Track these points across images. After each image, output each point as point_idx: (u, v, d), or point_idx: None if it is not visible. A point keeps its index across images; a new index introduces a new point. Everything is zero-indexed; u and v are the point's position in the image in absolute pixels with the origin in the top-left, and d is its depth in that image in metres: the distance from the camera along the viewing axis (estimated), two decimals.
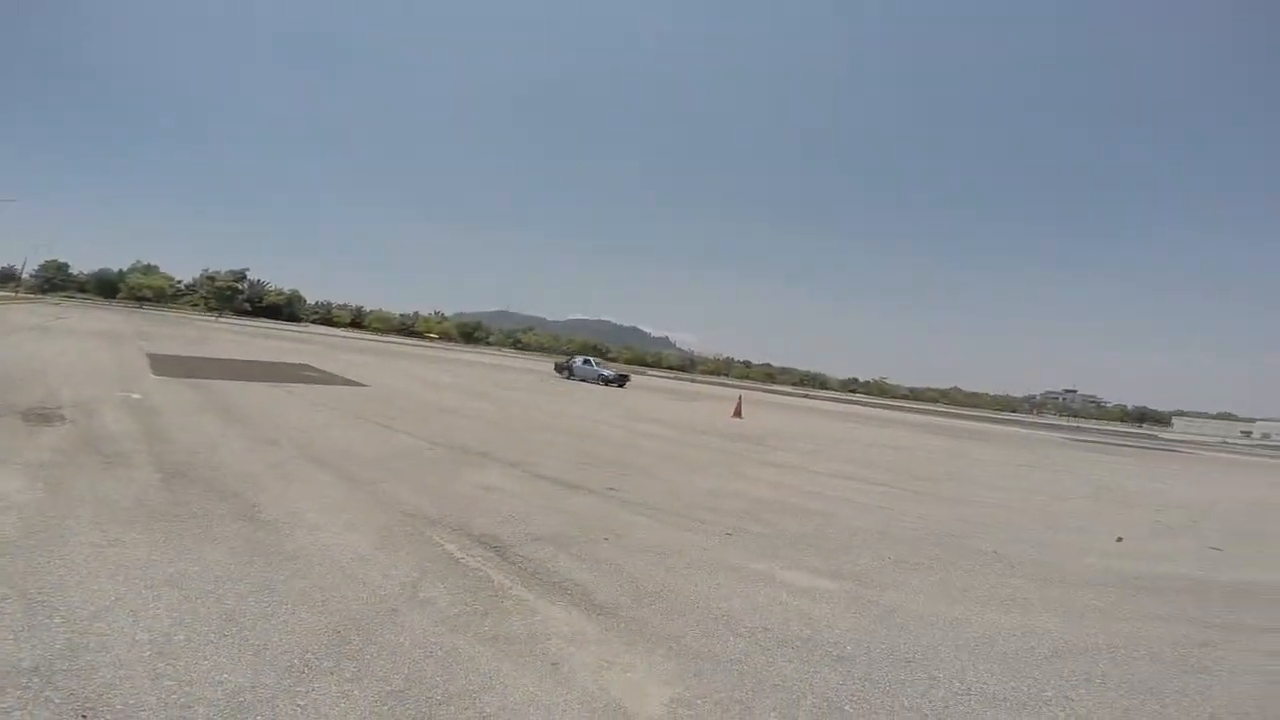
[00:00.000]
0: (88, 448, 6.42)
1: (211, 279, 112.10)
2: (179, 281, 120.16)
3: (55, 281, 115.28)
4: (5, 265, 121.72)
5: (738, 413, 23.41)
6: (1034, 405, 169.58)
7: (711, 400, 34.57)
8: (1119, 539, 8.05)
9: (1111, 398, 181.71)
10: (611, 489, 7.51)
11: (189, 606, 3.28)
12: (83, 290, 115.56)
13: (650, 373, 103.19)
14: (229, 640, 3.01)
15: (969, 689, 3.44)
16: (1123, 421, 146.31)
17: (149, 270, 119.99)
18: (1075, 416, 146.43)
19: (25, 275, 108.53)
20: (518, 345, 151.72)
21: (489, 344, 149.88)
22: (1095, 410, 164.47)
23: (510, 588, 4.08)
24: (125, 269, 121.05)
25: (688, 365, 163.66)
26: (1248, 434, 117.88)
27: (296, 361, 22.48)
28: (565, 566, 4.61)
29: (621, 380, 35.79)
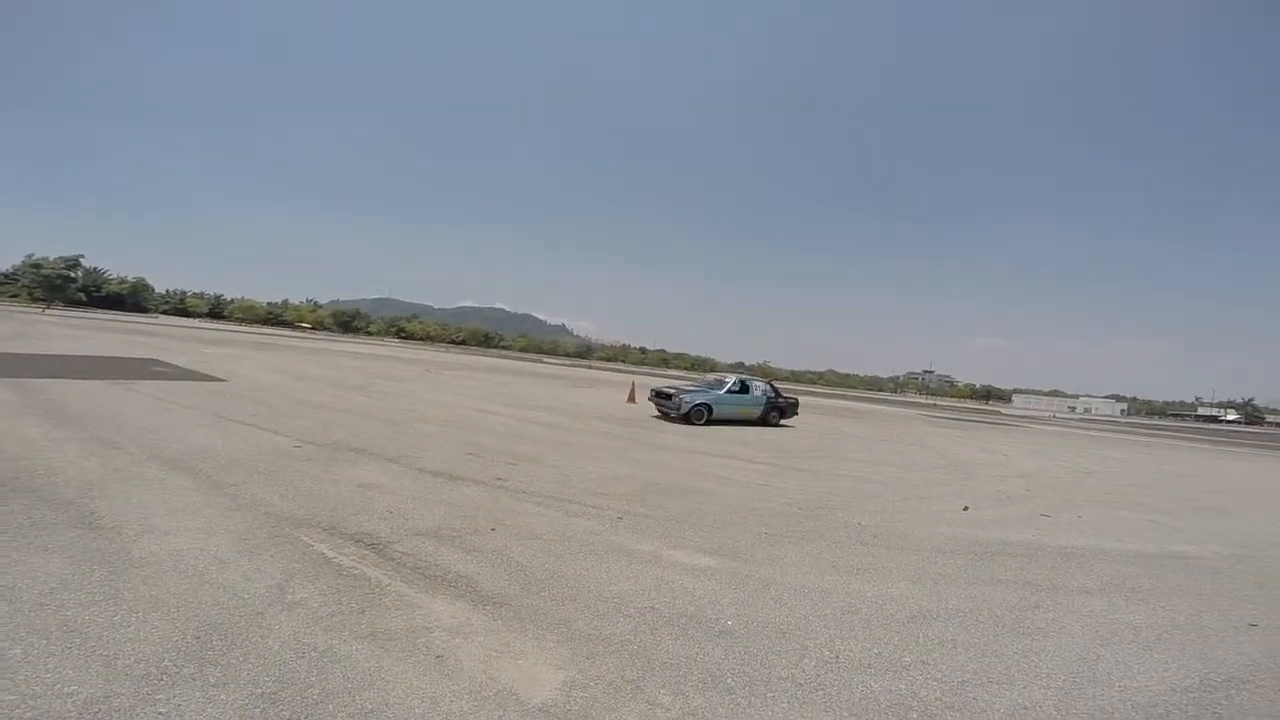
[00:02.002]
0: None
1: (37, 266, 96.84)
2: None
3: None
4: None
5: (631, 398, 23.83)
6: (897, 385, 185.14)
7: (607, 386, 34.65)
8: (965, 508, 8.86)
9: (962, 377, 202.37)
10: (499, 479, 7.50)
11: (22, 619, 3.05)
12: None
13: (546, 360, 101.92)
14: (73, 652, 2.85)
15: (838, 657, 3.70)
16: (972, 398, 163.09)
17: None
18: (932, 394, 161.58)
19: None
20: (402, 334, 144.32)
21: (370, 333, 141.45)
22: (949, 388, 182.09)
23: (389, 584, 4.04)
24: None
25: (585, 352, 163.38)
26: (1073, 409, 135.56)
27: (142, 356, 20.24)
28: (449, 559, 4.60)
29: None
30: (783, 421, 20.51)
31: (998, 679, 3.64)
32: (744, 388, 19.29)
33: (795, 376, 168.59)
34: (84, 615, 3.17)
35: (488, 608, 3.85)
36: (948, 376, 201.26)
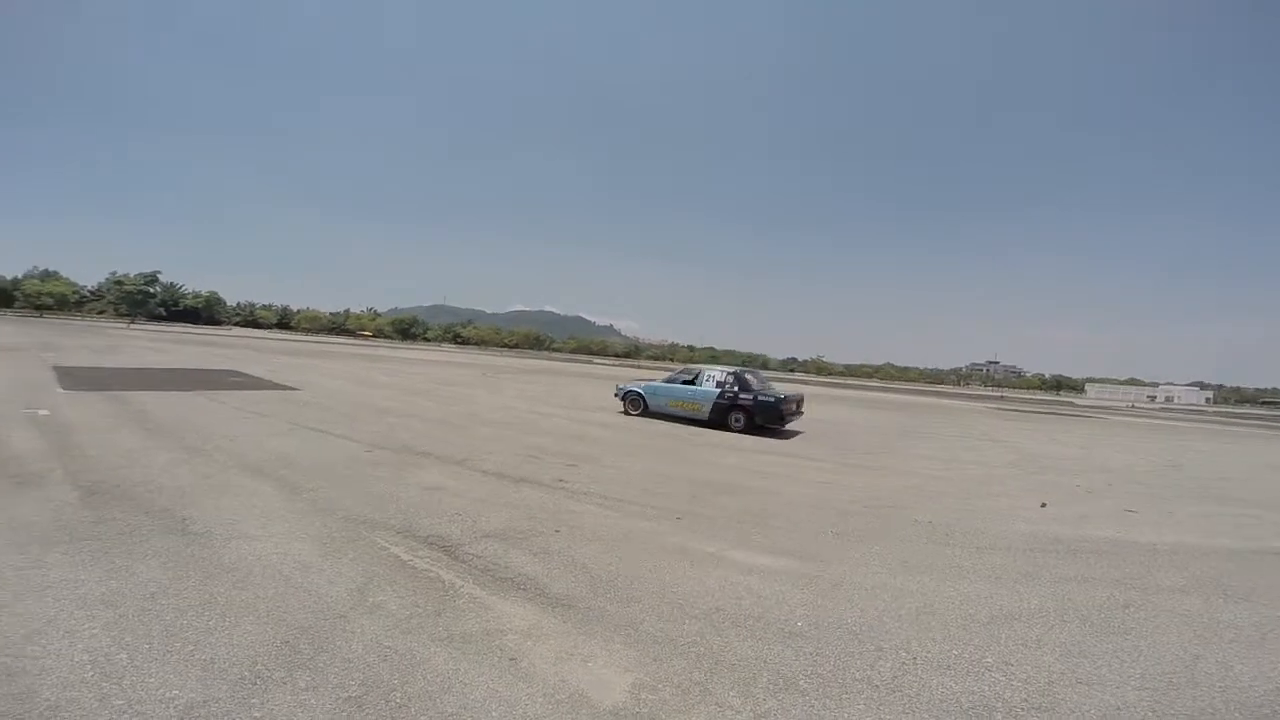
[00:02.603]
0: None
1: (120, 283, 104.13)
2: (83, 287, 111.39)
3: None
4: None
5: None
6: (960, 377, 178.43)
7: None
8: (1043, 504, 8.47)
9: (1030, 367, 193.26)
10: (560, 480, 7.56)
11: (126, 625, 3.20)
12: None
13: (596, 361, 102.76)
14: (174, 656, 2.97)
15: (915, 658, 3.58)
16: (1041, 389, 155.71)
17: (48, 276, 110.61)
18: (998, 386, 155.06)
19: None
20: (458, 340, 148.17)
21: (427, 340, 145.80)
22: (1016, 379, 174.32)
23: (462, 586, 4.10)
24: (20, 276, 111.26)
25: (633, 352, 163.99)
26: (1153, 398, 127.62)
27: (221, 367, 21.38)
28: (517, 561, 4.65)
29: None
30: (782, 427, 14.96)
31: (1087, 680, 3.48)
32: (694, 379, 15.74)
33: (850, 371, 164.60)
34: (182, 620, 3.32)
35: (557, 610, 3.87)
36: (1014, 367, 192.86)
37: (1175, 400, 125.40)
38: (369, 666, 3.03)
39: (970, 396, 70.89)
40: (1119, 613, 4.55)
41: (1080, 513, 8.19)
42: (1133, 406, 77.55)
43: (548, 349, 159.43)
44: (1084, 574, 5.47)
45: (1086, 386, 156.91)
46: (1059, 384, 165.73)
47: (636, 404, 16.43)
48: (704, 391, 15.37)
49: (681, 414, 15.72)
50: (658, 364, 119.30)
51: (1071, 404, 70.99)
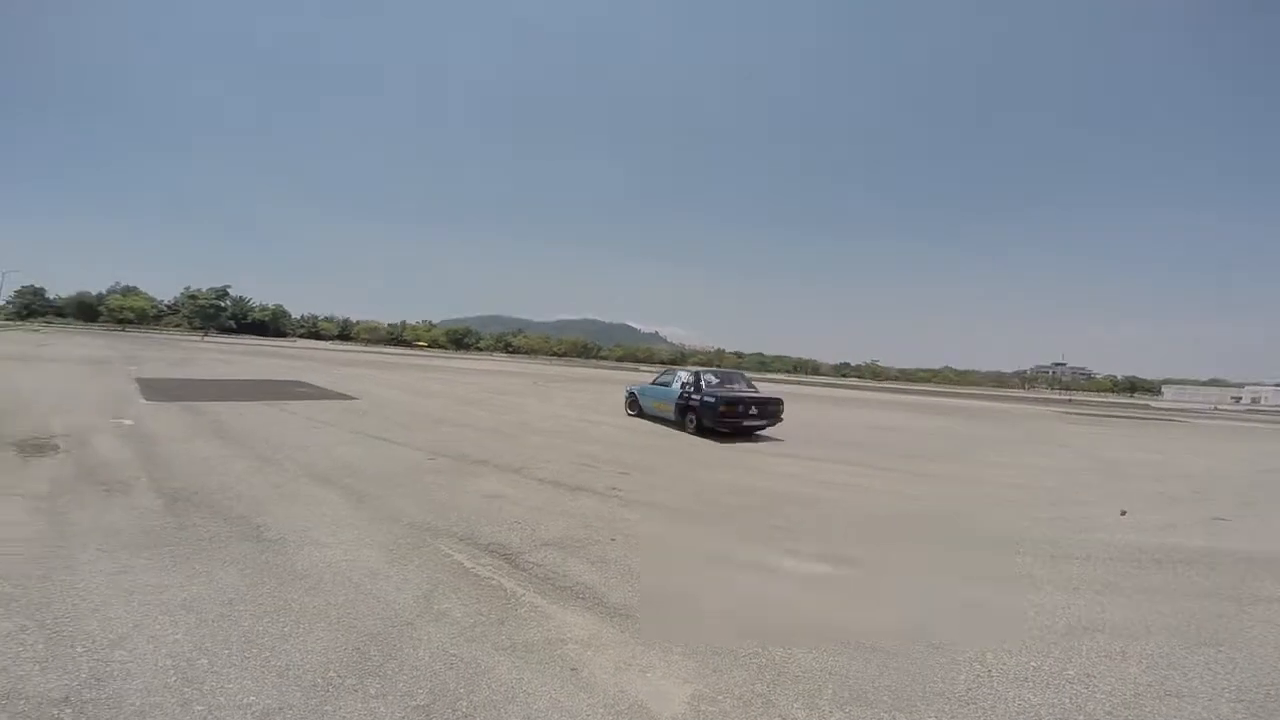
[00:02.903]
0: (85, 477, 6.39)
1: (194, 298, 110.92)
2: (160, 302, 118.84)
3: (33, 307, 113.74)
4: None
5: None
6: (1025, 380, 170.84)
7: None
8: (1123, 512, 8.08)
9: (1100, 369, 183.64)
10: (613, 489, 7.54)
11: (206, 630, 3.31)
12: (61, 315, 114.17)
13: (642, 369, 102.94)
14: (251, 662, 3.04)
15: (990, 670, 3.47)
16: (1113, 392, 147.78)
17: (129, 292, 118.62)
18: (1066, 389, 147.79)
19: (1, 302, 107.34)
20: (508, 349, 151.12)
21: (479, 349, 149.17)
22: (1085, 382, 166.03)
23: (523, 595, 4.11)
24: (104, 291, 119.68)
25: (679, 359, 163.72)
26: (1238, 400, 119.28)
27: (287, 378, 22.32)
28: (576, 570, 4.65)
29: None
30: (731, 431, 13.65)
31: (1177, 692, 3.31)
32: (670, 381, 15.48)
33: (907, 375, 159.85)
34: (259, 626, 3.41)
35: (615, 619, 3.85)
36: (1083, 369, 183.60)
37: (1263, 401, 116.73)
38: (436, 674, 3.05)
39: (1036, 400, 67.83)
40: (1211, 624, 4.35)
41: (1164, 521, 7.78)
42: (1216, 409, 72.78)
43: (595, 357, 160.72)
44: (1171, 584, 5.23)
45: (1163, 388, 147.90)
46: (1133, 386, 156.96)
47: (634, 405, 16.58)
48: (671, 392, 14.99)
49: (660, 415, 15.52)
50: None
51: (1147, 406, 67.19)
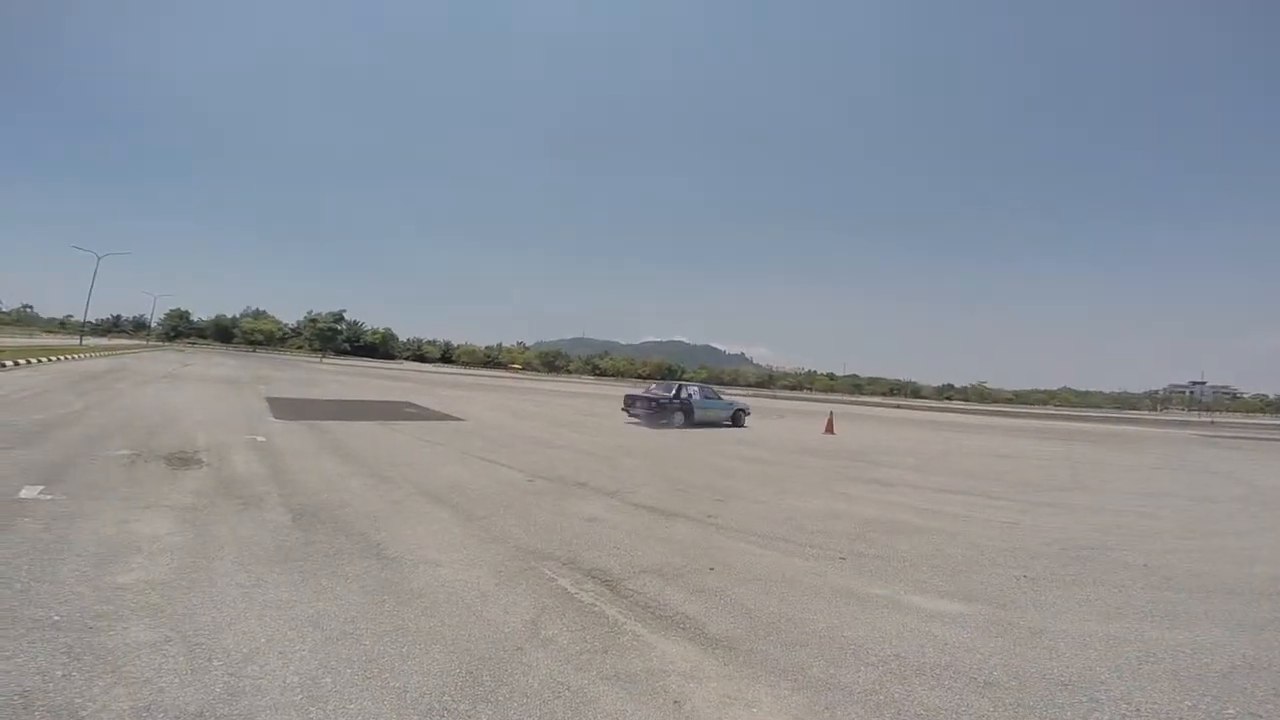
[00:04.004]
0: (224, 490, 6.91)
1: (314, 322, 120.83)
2: (286, 325, 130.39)
3: (179, 329, 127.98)
4: (136, 315, 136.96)
5: (830, 428, 22.58)
6: (1157, 401, 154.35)
7: (797, 417, 33.68)
8: None
9: (1247, 387, 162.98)
10: (710, 515, 7.36)
11: (331, 648, 3.40)
12: (202, 336, 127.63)
13: (729, 391, 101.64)
14: (372, 682, 3.09)
15: (1138, 710, 3.22)
16: (1264, 412, 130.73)
17: (259, 315, 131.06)
18: (1207, 410, 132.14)
19: (154, 324, 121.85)
20: (597, 371, 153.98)
21: (570, 372, 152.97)
22: (1229, 402, 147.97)
23: (625, 623, 4.03)
24: (238, 315, 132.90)
25: (767, 381, 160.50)
26: None
27: (397, 399, 23.66)
28: (675, 599, 4.53)
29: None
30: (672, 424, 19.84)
31: None
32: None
33: (1020, 398, 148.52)
34: (379, 646, 3.48)
35: (718, 651, 3.71)
36: (1226, 387, 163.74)
37: None
38: (544, 702, 3.01)
39: (1170, 423, 61.12)
40: None
41: None
42: None
43: (680, 379, 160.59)
44: None
45: None
46: None
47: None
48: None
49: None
50: (791, 393, 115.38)
51: None
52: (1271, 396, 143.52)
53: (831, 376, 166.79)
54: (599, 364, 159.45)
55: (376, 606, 4.01)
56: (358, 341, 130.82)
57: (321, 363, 77.67)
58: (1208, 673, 3.73)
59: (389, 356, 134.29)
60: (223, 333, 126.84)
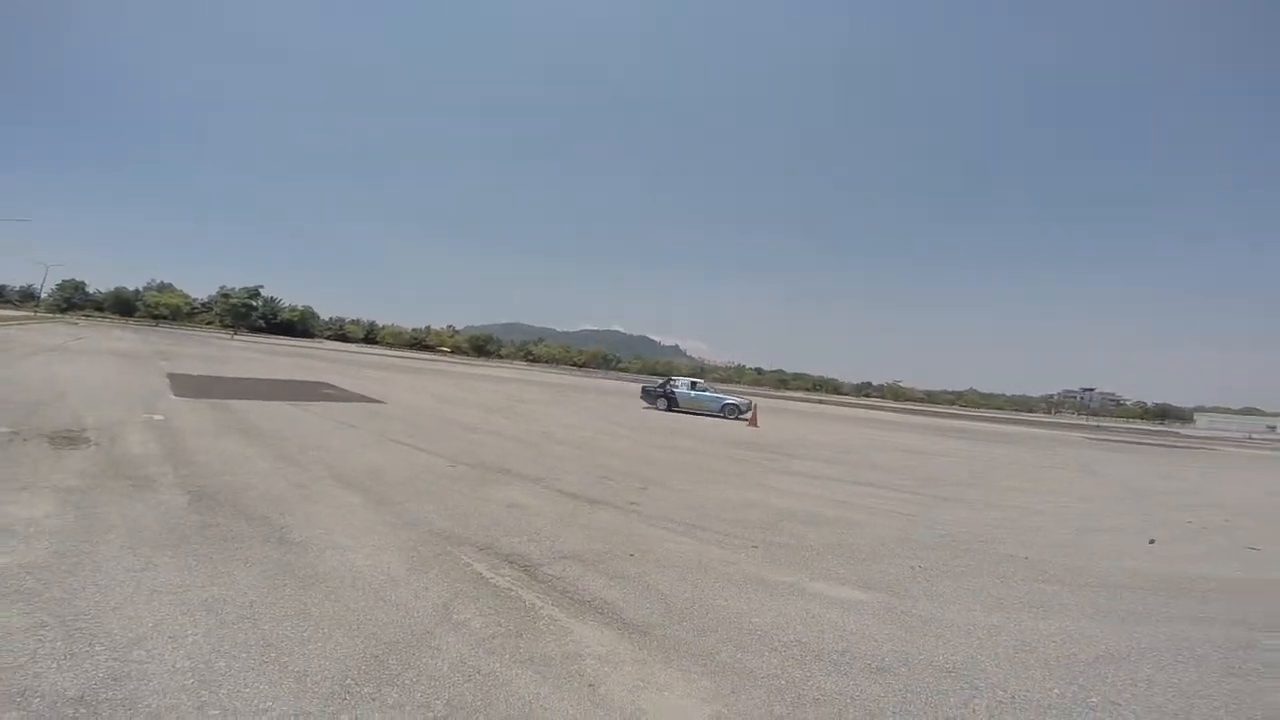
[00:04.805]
0: (114, 471, 6.47)
1: (226, 296, 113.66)
2: (194, 299, 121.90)
3: (73, 300, 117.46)
4: (24, 285, 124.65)
5: (754, 422, 23.26)
6: (1052, 405, 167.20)
7: None
8: (1151, 541, 7.92)
9: (1130, 395, 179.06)
10: (632, 503, 7.46)
11: (226, 632, 3.28)
12: (99, 309, 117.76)
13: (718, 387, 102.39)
14: (270, 667, 3.00)
15: (1013, 697, 3.40)
16: (1143, 419, 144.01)
17: (164, 288, 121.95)
18: (1095, 415, 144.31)
19: (44, 295, 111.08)
20: (529, 357, 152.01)
21: (501, 357, 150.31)
22: (1115, 408, 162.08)
23: (542, 608, 4.05)
24: (141, 287, 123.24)
25: (699, 373, 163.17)
26: (1273, 429, 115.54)
27: (314, 379, 22.64)
28: (594, 585, 4.58)
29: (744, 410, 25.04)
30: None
31: None
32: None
33: (931, 397, 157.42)
34: (279, 630, 3.37)
35: (633, 636, 3.78)
36: (1112, 395, 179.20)
37: None
38: (454, 686, 3.00)
39: (1062, 425, 66.39)
40: (1240, 654, 4.29)
41: (1193, 550, 7.67)
42: (1250, 438, 70.54)
43: (615, 369, 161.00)
44: (1200, 613, 5.14)
45: (1196, 416, 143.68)
46: (1164, 413, 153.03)
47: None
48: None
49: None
50: (722, 386, 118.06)
51: (1177, 434, 65.34)
52: (1150, 404, 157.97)
53: (759, 371, 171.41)
54: (533, 350, 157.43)
55: (276, 591, 3.87)
56: (274, 319, 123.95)
57: (233, 339, 73.09)
58: (1075, 662, 3.96)
59: (308, 335, 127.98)
60: (123, 306, 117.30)
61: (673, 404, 26.25)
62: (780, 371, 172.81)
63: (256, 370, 24.23)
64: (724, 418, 24.92)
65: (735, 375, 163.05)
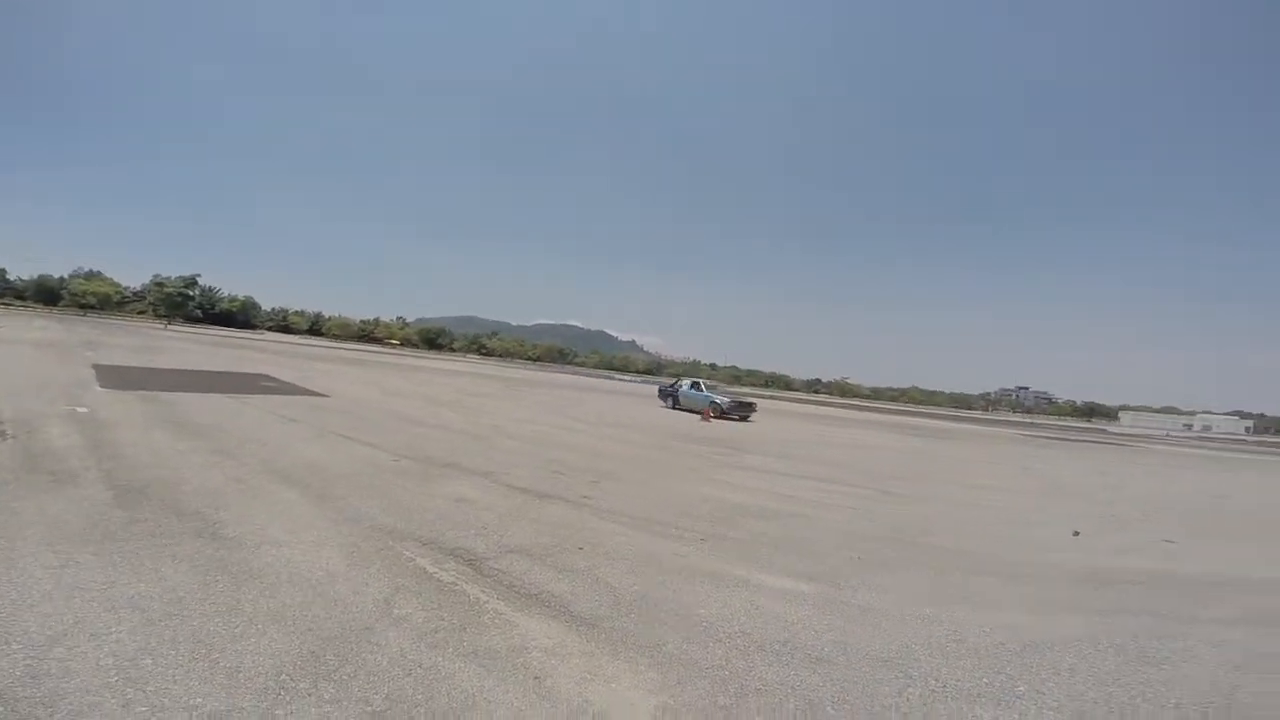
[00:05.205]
0: (33, 465, 6.13)
1: (161, 285, 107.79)
2: (126, 288, 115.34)
3: None
4: None
5: (707, 417, 23.56)
6: (988, 402, 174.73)
7: None
8: (1076, 533, 8.30)
9: (1061, 393, 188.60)
10: (584, 497, 7.49)
11: (153, 630, 3.18)
12: (20, 298, 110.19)
13: (618, 376, 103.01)
14: (199, 663, 2.93)
15: (945, 686, 3.52)
16: (1073, 416, 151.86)
17: (93, 276, 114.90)
18: (1028, 413, 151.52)
19: None
20: (483, 351, 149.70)
21: (453, 350, 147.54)
22: (1047, 406, 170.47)
23: (487, 602, 4.04)
24: (67, 275, 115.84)
25: (655, 368, 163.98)
26: (1189, 427, 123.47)
27: (253, 371, 21.79)
28: (542, 578, 4.58)
29: (745, 411, 26.35)
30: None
31: (1121, 709, 3.43)
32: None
33: (877, 394, 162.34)
34: (209, 626, 3.28)
35: (581, 628, 3.81)
36: (1045, 393, 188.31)
37: (1214, 429, 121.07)
38: (394, 680, 2.97)
39: (998, 422, 69.41)
40: (1155, 643, 4.49)
41: (1115, 543, 8.04)
42: (1169, 435, 75.24)
43: (571, 363, 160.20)
44: (1119, 604, 5.39)
45: (1121, 414, 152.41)
46: (1091, 411, 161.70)
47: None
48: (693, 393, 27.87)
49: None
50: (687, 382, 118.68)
51: (1104, 431, 69.15)
52: (1079, 403, 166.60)
53: (714, 367, 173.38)
54: (486, 343, 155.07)
55: (207, 587, 3.76)
56: (213, 309, 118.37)
57: (167, 329, 69.55)
58: (1004, 651, 4.09)
59: (249, 326, 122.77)
60: (48, 294, 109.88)
61: (676, 402, 28.70)
62: (734, 367, 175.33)
63: (191, 362, 23.17)
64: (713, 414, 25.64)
65: (690, 370, 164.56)
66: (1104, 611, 5.14)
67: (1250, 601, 5.74)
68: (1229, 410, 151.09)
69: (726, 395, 28.12)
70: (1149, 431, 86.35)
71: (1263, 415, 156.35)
